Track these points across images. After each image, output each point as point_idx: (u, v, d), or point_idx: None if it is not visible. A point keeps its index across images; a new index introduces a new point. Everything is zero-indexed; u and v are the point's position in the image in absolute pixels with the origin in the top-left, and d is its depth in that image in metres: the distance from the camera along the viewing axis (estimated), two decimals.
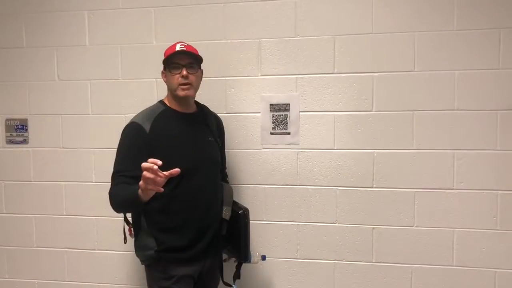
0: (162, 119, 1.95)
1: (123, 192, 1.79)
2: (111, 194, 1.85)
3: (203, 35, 2.44)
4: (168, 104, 2.02)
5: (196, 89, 2.02)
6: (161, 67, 2.03)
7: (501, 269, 2.26)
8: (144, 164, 1.55)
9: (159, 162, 1.54)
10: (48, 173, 2.64)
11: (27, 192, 2.67)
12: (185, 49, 1.95)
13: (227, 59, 2.44)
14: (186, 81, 1.92)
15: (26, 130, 2.65)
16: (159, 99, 2.09)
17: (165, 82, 2.02)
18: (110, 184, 1.89)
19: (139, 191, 1.64)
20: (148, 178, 1.55)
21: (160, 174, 1.56)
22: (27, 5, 2.62)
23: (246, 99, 2.44)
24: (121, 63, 2.54)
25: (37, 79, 2.63)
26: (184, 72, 1.91)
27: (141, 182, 1.59)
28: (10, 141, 2.68)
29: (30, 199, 2.67)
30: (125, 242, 2.09)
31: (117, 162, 1.91)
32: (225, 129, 2.31)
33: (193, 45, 2.05)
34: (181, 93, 1.94)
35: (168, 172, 1.58)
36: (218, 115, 2.30)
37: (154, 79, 2.46)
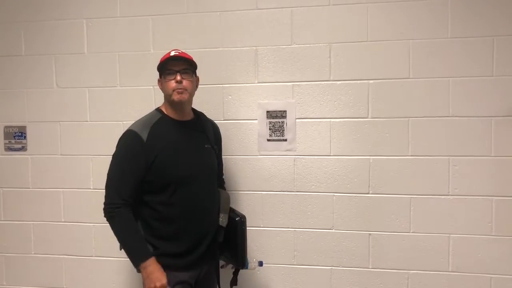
0: (159, 127, 1.97)
1: (129, 239, 1.92)
2: (114, 221, 1.90)
3: (200, 43, 2.47)
4: (165, 112, 2.03)
5: (191, 94, 2.03)
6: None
7: (497, 274, 2.27)
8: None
9: None
10: (46, 180, 2.65)
11: (25, 199, 2.68)
12: (179, 54, 1.97)
13: (224, 66, 2.46)
14: (180, 86, 1.94)
15: (25, 137, 2.67)
16: (156, 107, 2.10)
17: (161, 89, 2.03)
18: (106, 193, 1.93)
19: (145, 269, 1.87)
20: None
21: None
22: (26, 13, 2.64)
23: (243, 106, 2.46)
24: (119, 71, 2.56)
25: (36, 87, 2.65)
26: (178, 77, 1.93)
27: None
28: (9, 148, 2.69)
29: (29, 206, 2.68)
30: (120, 249, 2.09)
31: (113, 170, 1.93)
32: (222, 136, 2.32)
33: (190, 53, 2.07)
34: (175, 97, 1.95)
35: None
36: (216, 122, 2.32)
37: (151, 87, 2.48)
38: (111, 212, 1.89)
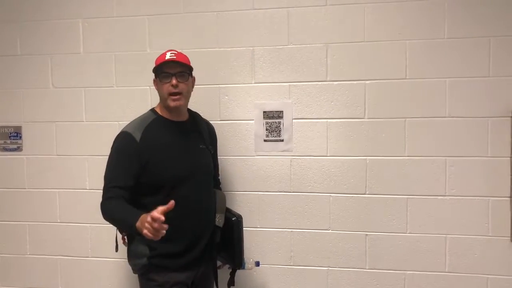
0: (153, 128, 1.96)
1: (120, 212, 1.82)
2: (105, 207, 1.86)
3: (196, 43, 2.46)
4: (160, 113, 2.02)
5: (187, 97, 2.02)
6: None
7: (493, 275, 2.27)
8: (154, 216, 1.58)
9: (163, 218, 1.58)
10: (42, 181, 2.64)
11: (20, 200, 2.67)
12: (175, 57, 1.95)
13: (220, 67, 2.46)
14: (176, 90, 1.93)
15: (20, 137, 2.66)
16: (152, 107, 2.10)
17: (157, 90, 2.02)
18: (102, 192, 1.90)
19: (138, 223, 1.68)
20: (153, 228, 1.60)
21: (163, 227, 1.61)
22: (22, 13, 2.63)
23: (240, 107, 2.46)
24: (115, 71, 2.55)
25: (32, 87, 2.64)
26: (174, 81, 1.92)
27: (144, 224, 1.63)
28: (4, 149, 2.68)
29: (24, 207, 2.67)
30: (116, 251, 2.09)
31: (109, 172, 1.92)
32: (219, 137, 2.32)
33: (187, 53, 2.06)
34: (171, 103, 1.95)
35: (166, 207, 1.62)
36: (212, 122, 2.32)
37: (148, 87, 2.47)
38: (105, 201, 1.86)
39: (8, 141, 2.67)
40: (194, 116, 2.15)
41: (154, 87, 2.06)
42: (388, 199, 2.35)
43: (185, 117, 2.09)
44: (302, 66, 2.40)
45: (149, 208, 1.89)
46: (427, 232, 2.32)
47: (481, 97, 2.26)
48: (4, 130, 2.67)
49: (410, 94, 2.31)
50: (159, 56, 2.00)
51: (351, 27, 2.35)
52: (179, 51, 2.04)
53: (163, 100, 1.99)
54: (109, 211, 1.85)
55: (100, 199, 1.90)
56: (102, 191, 1.91)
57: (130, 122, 2.00)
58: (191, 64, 2.03)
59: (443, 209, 2.30)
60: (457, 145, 2.28)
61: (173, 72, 1.93)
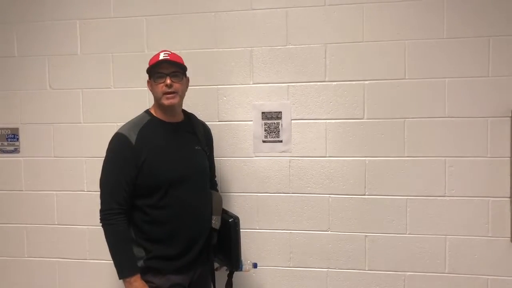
0: (148, 129, 1.94)
1: (119, 250, 1.88)
2: (109, 229, 1.88)
3: (194, 44, 2.45)
4: (154, 114, 2.01)
5: (181, 97, 2.00)
6: None
7: (493, 276, 2.26)
8: None
9: None
10: (39, 183, 2.63)
11: (18, 202, 2.66)
12: (168, 57, 1.94)
13: (218, 67, 2.45)
14: (170, 90, 1.92)
15: (17, 139, 2.64)
16: (147, 108, 2.08)
17: (151, 91, 2.01)
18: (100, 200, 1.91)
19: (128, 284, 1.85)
20: None
21: None
22: (18, 14, 2.62)
23: (238, 108, 2.45)
24: (113, 71, 2.54)
25: (29, 88, 2.62)
26: (168, 81, 1.91)
27: None
28: (1, 151, 2.66)
29: (22, 209, 2.65)
30: None
31: (105, 175, 1.91)
32: (217, 138, 2.31)
33: (185, 54, 2.07)
34: (165, 101, 1.93)
35: None
36: (210, 123, 2.31)
37: (145, 88, 2.43)
38: (108, 219, 1.87)
39: (5, 143, 2.65)
40: (189, 117, 2.14)
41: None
42: (388, 199, 2.34)
43: (180, 118, 2.07)
44: (301, 66, 2.39)
45: (143, 210, 1.89)
46: (426, 233, 2.31)
47: (481, 97, 2.25)
48: (1, 132, 2.66)
49: (409, 94, 2.30)
50: (153, 57, 1.99)
51: (350, 27, 2.34)
52: (172, 51, 2.02)
53: (157, 100, 1.97)
54: (110, 238, 1.88)
55: (98, 201, 1.89)
56: (100, 196, 1.90)
57: (125, 124, 1.99)
58: (189, 65, 2.02)
59: (443, 210, 2.29)
60: (456, 145, 2.27)
61: (167, 72, 1.92)
